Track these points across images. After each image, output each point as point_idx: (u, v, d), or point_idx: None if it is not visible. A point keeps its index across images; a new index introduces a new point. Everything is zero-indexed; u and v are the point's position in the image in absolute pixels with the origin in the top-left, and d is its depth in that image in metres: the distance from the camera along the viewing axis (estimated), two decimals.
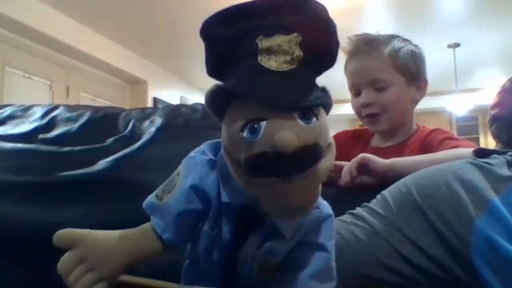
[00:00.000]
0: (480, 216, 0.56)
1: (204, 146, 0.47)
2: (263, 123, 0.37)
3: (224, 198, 0.43)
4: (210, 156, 0.46)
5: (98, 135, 0.74)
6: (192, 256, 0.48)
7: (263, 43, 0.39)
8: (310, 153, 0.37)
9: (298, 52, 0.39)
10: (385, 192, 0.69)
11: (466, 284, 0.57)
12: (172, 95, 4.86)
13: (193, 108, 0.82)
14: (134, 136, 0.73)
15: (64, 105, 0.84)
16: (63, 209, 0.63)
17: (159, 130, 0.73)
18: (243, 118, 0.38)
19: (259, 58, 0.38)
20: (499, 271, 0.54)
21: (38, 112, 0.81)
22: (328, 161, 0.40)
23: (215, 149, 0.46)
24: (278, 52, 0.39)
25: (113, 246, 0.44)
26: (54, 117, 0.79)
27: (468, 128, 6.28)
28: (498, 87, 0.88)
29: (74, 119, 0.78)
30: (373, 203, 0.69)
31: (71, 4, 3.13)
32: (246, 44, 0.39)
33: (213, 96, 0.40)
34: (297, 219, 0.43)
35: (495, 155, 0.67)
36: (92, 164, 0.66)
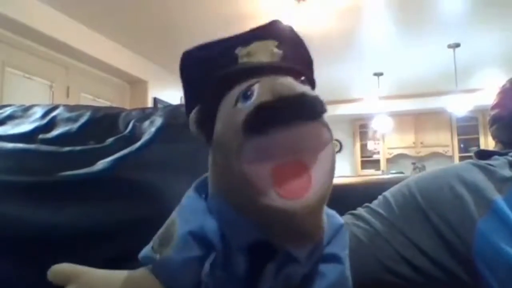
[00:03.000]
0: (483, 216, 0.56)
1: (192, 189, 0.45)
2: (256, 85, 0.35)
3: (233, 241, 0.40)
4: (203, 200, 0.43)
5: (98, 135, 0.74)
6: None
7: (242, 51, 0.39)
8: (313, 102, 0.34)
9: (277, 50, 0.38)
10: (387, 194, 0.69)
11: (468, 287, 0.57)
12: (172, 95, 4.86)
13: None
14: (134, 136, 0.73)
15: (64, 105, 0.84)
16: (63, 209, 0.63)
17: (159, 130, 0.73)
18: (234, 95, 0.36)
19: (239, 61, 0.38)
20: (498, 273, 0.54)
21: (38, 112, 0.81)
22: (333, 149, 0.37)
23: (205, 189, 0.44)
24: (257, 53, 0.38)
25: (112, 286, 0.41)
26: (54, 117, 0.79)
27: (468, 128, 6.29)
28: (498, 87, 0.88)
29: (74, 119, 0.78)
30: (375, 204, 0.69)
31: (71, 4, 3.13)
32: (225, 56, 0.39)
33: (199, 113, 0.39)
34: (311, 245, 0.41)
35: (496, 156, 0.67)
36: (92, 164, 0.66)
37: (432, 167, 0.76)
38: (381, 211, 0.66)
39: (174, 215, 0.44)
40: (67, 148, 0.70)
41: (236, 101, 0.35)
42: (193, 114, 0.40)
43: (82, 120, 0.77)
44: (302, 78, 0.38)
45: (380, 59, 4.60)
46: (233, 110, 0.35)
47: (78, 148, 0.70)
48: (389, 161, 6.74)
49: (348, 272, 0.46)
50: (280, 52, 0.39)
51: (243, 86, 0.36)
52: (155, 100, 4.54)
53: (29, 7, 2.98)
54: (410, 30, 3.81)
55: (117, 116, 0.79)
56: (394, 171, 6.12)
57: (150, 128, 0.74)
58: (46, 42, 3.24)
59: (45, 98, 3.34)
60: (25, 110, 0.83)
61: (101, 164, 0.66)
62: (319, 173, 0.35)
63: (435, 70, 4.90)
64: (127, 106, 3.65)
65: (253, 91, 0.34)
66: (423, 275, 0.59)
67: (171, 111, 0.81)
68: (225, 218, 0.40)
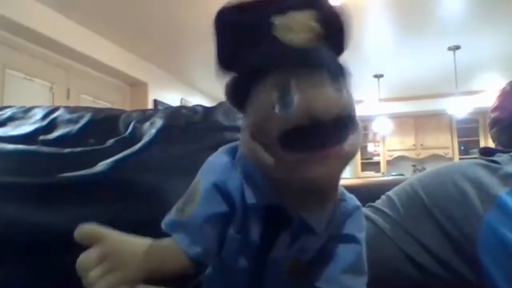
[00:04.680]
0: (488, 211, 0.56)
1: (220, 150, 0.45)
2: (295, 95, 0.35)
3: (250, 199, 0.41)
4: (229, 158, 0.44)
5: (99, 137, 0.74)
6: (216, 263, 0.46)
7: (278, 20, 0.38)
8: (346, 122, 0.36)
9: (315, 25, 0.38)
10: (390, 193, 0.70)
11: (470, 284, 0.57)
12: (173, 97, 4.86)
13: (193, 109, 0.82)
14: (134, 137, 0.73)
15: (64, 107, 0.84)
16: (63, 211, 0.63)
17: (159, 131, 0.73)
18: (272, 93, 0.36)
19: (277, 35, 0.37)
20: (505, 266, 0.54)
21: (38, 113, 0.81)
22: (358, 138, 0.38)
23: (232, 152, 0.44)
24: (296, 29, 0.37)
25: (136, 250, 0.41)
26: (54, 119, 0.79)
27: (468, 130, 6.29)
28: (499, 90, 0.88)
29: (74, 121, 0.78)
30: (379, 203, 0.69)
31: (71, 6, 3.14)
32: (261, 23, 0.38)
33: (233, 86, 0.39)
34: (327, 212, 0.41)
35: (499, 154, 0.67)
36: (92, 165, 0.66)
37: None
38: (385, 209, 0.67)
39: (198, 174, 0.44)
40: (67, 150, 0.70)
41: (274, 104, 0.36)
42: (228, 84, 0.39)
43: (83, 121, 0.77)
44: (339, 78, 0.37)
45: (380, 61, 4.61)
46: (270, 113, 0.36)
47: (78, 149, 0.70)
48: (389, 163, 6.74)
49: (364, 255, 0.46)
50: (319, 26, 0.37)
51: (280, 81, 0.36)
52: (156, 102, 4.54)
53: (30, 9, 2.98)
54: (410, 32, 3.81)
55: (117, 118, 0.80)
56: (394, 173, 6.11)
57: (150, 130, 0.74)
58: (47, 44, 3.24)
59: (46, 99, 3.34)
60: (26, 111, 0.83)
61: (101, 165, 0.66)
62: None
63: (435, 72, 4.90)
64: (128, 108, 3.65)
65: (291, 104, 0.35)
66: (426, 273, 0.59)
67: (171, 112, 0.81)
68: (249, 177, 0.41)
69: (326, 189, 0.40)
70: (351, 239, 0.45)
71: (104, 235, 0.41)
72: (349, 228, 0.45)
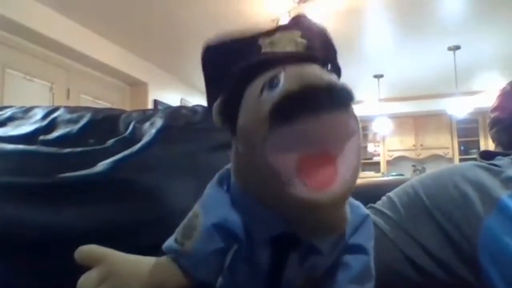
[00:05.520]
0: (489, 214, 0.56)
1: (215, 180, 0.44)
2: (281, 73, 0.34)
3: (257, 233, 0.40)
4: (225, 192, 0.43)
5: (99, 137, 0.74)
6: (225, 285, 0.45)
7: (265, 40, 0.38)
8: (340, 91, 0.33)
9: (301, 40, 0.37)
10: (391, 194, 0.70)
11: (470, 286, 0.57)
12: (173, 97, 4.86)
13: (193, 110, 0.82)
14: (134, 137, 0.73)
15: (64, 107, 0.84)
16: (63, 211, 0.63)
17: (159, 131, 0.73)
18: (259, 85, 0.35)
19: (263, 50, 0.37)
20: (504, 270, 0.54)
21: (38, 113, 0.81)
22: (357, 167, 0.36)
23: (227, 179, 0.43)
24: (281, 42, 0.37)
25: (137, 270, 0.40)
26: (54, 119, 0.79)
27: (468, 130, 6.29)
28: (498, 90, 0.88)
29: (74, 121, 0.78)
30: (379, 205, 0.69)
31: (71, 6, 3.14)
32: (248, 47, 0.38)
33: (222, 103, 0.38)
34: (334, 237, 0.41)
35: (499, 157, 0.67)
36: (92, 165, 0.66)
37: (432, 170, 0.76)
38: (386, 211, 0.67)
39: (196, 207, 0.43)
40: (67, 150, 0.70)
41: (261, 91, 0.35)
42: (216, 105, 0.39)
43: (83, 121, 0.77)
44: (328, 67, 0.37)
45: (380, 61, 4.61)
46: (258, 99, 0.35)
47: (78, 149, 0.70)
48: (389, 163, 6.73)
49: (372, 263, 0.45)
50: (304, 41, 0.37)
51: (267, 75, 0.35)
52: (156, 102, 4.54)
53: (30, 9, 2.98)
54: (410, 32, 3.81)
55: (117, 118, 0.79)
56: (394, 174, 6.11)
57: (150, 130, 0.74)
58: (47, 44, 3.24)
59: (46, 99, 3.34)
60: (26, 111, 0.83)
61: (101, 165, 0.66)
62: (345, 164, 0.35)
63: (435, 72, 4.90)
64: (128, 108, 3.65)
65: (279, 80, 0.34)
66: (426, 275, 0.59)
67: (171, 112, 0.81)
68: (249, 210, 0.40)
69: (332, 218, 0.39)
70: (360, 249, 0.44)
71: (105, 255, 0.40)
72: (357, 238, 0.44)
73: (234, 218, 0.40)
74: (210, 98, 0.40)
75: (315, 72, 0.34)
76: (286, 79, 0.33)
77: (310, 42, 0.38)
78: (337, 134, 0.35)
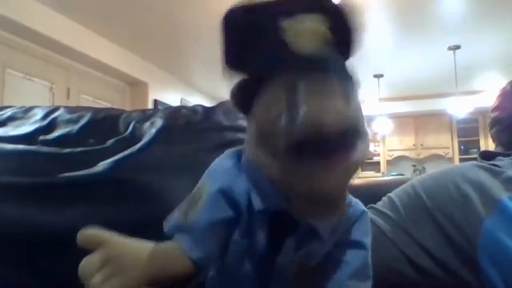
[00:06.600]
0: (489, 215, 0.56)
1: (225, 154, 0.45)
2: (303, 106, 0.34)
3: (257, 205, 0.40)
4: (235, 162, 0.43)
5: (99, 137, 0.74)
6: (219, 268, 0.45)
7: (288, 24, 0.37)
8: (353, 134, 0.35)
9: (324, 30, 0.37)
10: (391, 195, 0.70)
11: (470, 286, 0.57)
12: (173, 97, 4.86)
13: (193, 109, 0.82)
14: (134, 137, 0.73)
15: (64, 107, 0.84)
16: (64, 211, 0.63)
17: (159, 131, 0.73)
18: (279, 100, 0.35)
19: (286, 39, 0.37)
20: (504, 272, 0.54)
21: (38, 113, 0.81)
22: (365, 147, 0.38)
23: (237, 156, 0.44)
24: (305, 35, 0.37)
25: (139, 254, 0.40)
26: (54, 119, 0.79)
27: (468, 130, 6.29)
28: (499, 89, 0.88)
29: (74, 121, 0.78)
30: (380, 205, 0.69)
31: (71, 6, 3.14)
32: (270, 25, 0.37)
33: (240, 88, 0.39)
34: (333, 219, 0.41)
35: (500, 157, 0.67)
36: (92, 165, 0.66)
37: (432, 169, 0.76)
38: (386, 211, 0.67)
39: (202, 178, 0.43)
40: (67, 150, 0.70)
41: (281, 113, 0.35)
42: (235, 86, 0.39)
43: (83, 121, 0.77)
44: (348, 87, 0.36)
45: (380, 61, 4.60)
46: (276, 123, 0.35)
47: (78, 149, 0.70)
48: (389, 163, 6.73)
49: (370, 259, 0.46)
50: (328, 34, 0.37)
51: (288, 84, 0.35)
52: (156, 101, 4.54)
53: (30, 8, 2.99)
54: (410, 32, 3.81)
55: (117, 118, 0.80)
56: (394, 173, 6.11)
57: (150, 130, 0.74)
58: (47, 44, 3.24)
59: (46, 99, 3.34)
60: (26, 111, 0.83)
61: (101, 165, 0.66)
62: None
63: (435, 72, 4.90)
64: (128, 108, 3.65)
65: (298, 114, 0.34)
66: (425, 275, 0.60)
67: (171, 112, 0.81)
68: (255, 179, 0.40)
69: (334, 198, 0.39)
70: (358, 244, 0.45)
71: (106, 239, 0.40)
72: (355, 234, 0.45)
73: (240, 186, 0.41)
74: (227, 57, 0.40)
75: (334, 115, 0.34)
76: (304, 122, 0.34)
77: (333, 31, 0.37)
78: (348, 164, 0.36)
